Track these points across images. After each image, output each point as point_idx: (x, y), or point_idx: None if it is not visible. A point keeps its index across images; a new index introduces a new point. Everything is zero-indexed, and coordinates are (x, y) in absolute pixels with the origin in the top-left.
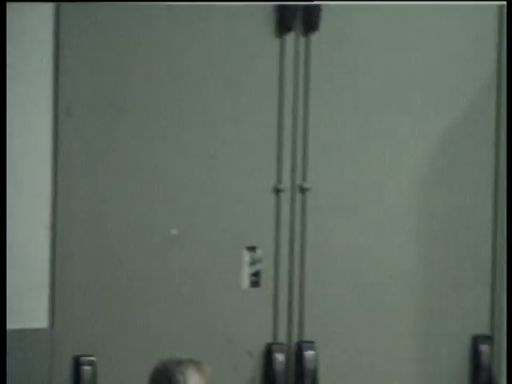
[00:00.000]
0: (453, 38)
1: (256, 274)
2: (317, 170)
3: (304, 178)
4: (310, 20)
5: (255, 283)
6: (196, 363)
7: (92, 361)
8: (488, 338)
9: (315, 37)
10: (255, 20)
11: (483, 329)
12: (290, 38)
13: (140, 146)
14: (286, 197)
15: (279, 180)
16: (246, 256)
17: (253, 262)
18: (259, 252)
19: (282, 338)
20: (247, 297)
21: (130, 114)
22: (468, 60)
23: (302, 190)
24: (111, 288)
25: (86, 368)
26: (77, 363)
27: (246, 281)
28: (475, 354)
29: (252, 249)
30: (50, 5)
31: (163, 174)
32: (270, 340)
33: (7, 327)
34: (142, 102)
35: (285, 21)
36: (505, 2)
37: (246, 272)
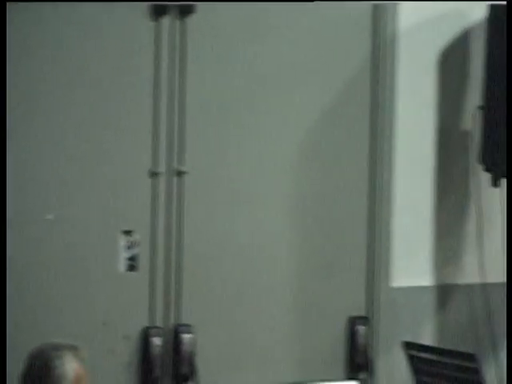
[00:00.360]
0: (330, 27)
1: (133, 258)
2: (194, 154)
3: (181, 162)
4: (185, 3)
5: (132, 267)
6: (73, 347)
7: None
8: (364, 319)
9: (191, 20)
10: (130, 3)
11: (359, 310)
12: (165, 21)
13: (12, 128)
14: (162, 180)
15: (155, 163)
16: (123, 240)
17: (129, 246)
18: (136, 236)
19: (159, 321)
20: (124, 281)
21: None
22: (344, 46)
23: (179, 174)
24: None
25: None
26: None
27: (122, 265)
28: (351, 335)
29: (128, 233)
30: None
31: (37, 158)
32: (146, 323)
33: None
34: (14, 84)
35: (160, 4)
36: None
37: (123, 256)
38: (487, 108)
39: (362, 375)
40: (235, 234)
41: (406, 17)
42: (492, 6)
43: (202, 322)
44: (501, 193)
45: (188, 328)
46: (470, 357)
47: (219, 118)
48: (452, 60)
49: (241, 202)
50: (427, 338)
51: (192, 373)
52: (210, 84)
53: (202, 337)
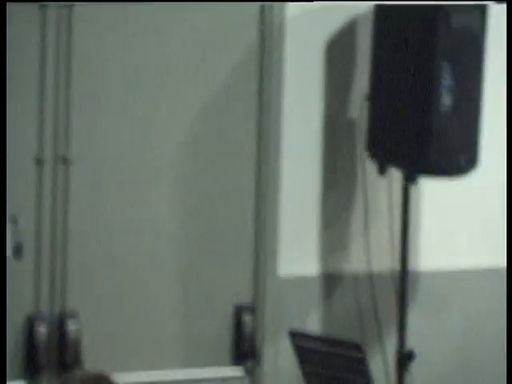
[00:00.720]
0: (218, 16)
1: (17, 246)
2: (80, 141)
3: (67, 149)
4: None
5: (17, 255)
6: None
7: None
8: (250, 308)
9: (77, 9)
10: None
11: (246, 298)
12: (51, 9)
13: None
14: (48, 167)
15: (41, 151)
16: (8, 227)
17: (14, 234)
18: (21, 223)
19: (44, 309)
20: (8, 268)
21: None
22: (232, 35)
23: (65, 161)
24: None
25: None
26: None
27: (7, 252)
28: (238, 323)
29: (13, 220)
30: None
31: None
32: (31, 312)
33: None
34: None
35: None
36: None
37: (8, 243)
38: (373, 97)
39: (248, 363)
40: (121, 222)
41: (294, 6)
42: None
43: (88, 309)
44: (387, 181)
45: (73, 315)
46: (356, 346)
47: (105, 105)
48: (339, 49)
49: (127, 191)
50: (314, 326)
51: (77, 360)
52: (96, 72)
53: (88, 324)
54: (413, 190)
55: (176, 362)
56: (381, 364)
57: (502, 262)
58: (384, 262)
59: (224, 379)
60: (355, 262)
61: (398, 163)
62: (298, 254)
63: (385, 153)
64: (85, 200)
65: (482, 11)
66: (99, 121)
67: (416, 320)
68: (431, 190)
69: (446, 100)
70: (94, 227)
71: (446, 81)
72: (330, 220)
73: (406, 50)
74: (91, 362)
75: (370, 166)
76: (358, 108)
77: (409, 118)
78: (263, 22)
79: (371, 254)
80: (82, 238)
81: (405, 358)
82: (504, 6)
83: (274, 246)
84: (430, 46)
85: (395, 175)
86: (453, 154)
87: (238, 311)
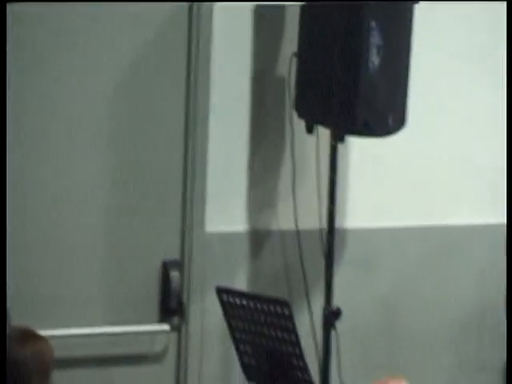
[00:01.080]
0: None
1: None
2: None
3: None
4: None
5: None
6: None
7: None
8: (178, 264)
9: None
10: None
11: (173, 254)
12: None
13: None
14: None
15: None
16: None
17: None
18: None
19: None
20: None
21: None
22: None
23: None
24: None
25: None
26: None
27: None
28: (165, 279)
29: None
30: None
31: None
32: None
33: None
34: None
35: None
36: None
37: None
38: (302, 55)
39: (175, 320)
40: (47, 175)
41: None
42: None
43: (13, 264)
44: (315, 139)
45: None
46: (283, 303)
47: (35, 60)
48: (269, 7)
49: (53, 143)
50: (241, 283)
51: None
52: (33, 31)
53: (13, 279)
54: (341, 148)
55: (102, 319)
56: (308, 321)
57: (428, 220)
58: (312, 219)
59: (150, 334)
60: (283, 220)
61: (325, 122)
62: (226, 211)
63: (313, 112)
64: (10, 150)
65: None
66: (35, 77)
67: (343, 278)
68: (359, 149)
69: (375, 59)
70: (20, 178)
71: (375, 40)
72: (258, 177)
73: (336, 8)
74: (17, 317)
75: (299, 125)
76: (287, 66)
77: (337, 76)
78: None
79: (299, 212)
80: (14, 197)
81: (331, 316)
82: None
83: (201, 203)
84: (359, 4)
85: (324, 133)
86: (381, 114)
87: (166, 267)
